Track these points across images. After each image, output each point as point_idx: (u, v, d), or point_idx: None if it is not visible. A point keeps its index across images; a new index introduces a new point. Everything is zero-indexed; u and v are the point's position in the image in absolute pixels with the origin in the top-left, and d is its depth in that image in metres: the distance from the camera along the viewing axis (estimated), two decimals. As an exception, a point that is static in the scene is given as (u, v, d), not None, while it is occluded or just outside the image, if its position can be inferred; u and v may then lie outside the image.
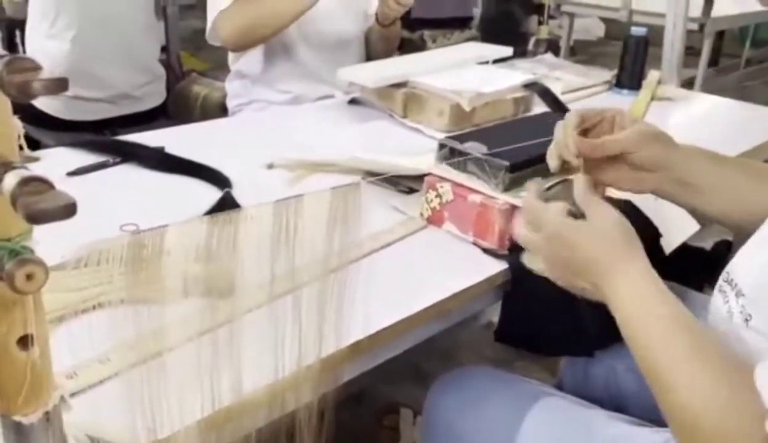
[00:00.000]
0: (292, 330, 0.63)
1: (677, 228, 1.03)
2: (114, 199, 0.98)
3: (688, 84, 2.65)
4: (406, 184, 1.04)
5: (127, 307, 0.54)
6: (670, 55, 1.75)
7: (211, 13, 1.56)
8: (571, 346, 0.91)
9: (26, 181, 0.38)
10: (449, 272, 0.83)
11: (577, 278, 0.68)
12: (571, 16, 3.06)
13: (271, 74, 1.65)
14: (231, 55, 1.73)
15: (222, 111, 1.85)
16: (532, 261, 0.76)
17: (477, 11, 3.34)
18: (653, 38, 1.64)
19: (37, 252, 0.42)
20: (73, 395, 0.61)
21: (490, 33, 2.89)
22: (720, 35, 3.99)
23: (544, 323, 0.88)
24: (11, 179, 0.39)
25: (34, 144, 1.63)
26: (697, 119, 1.55)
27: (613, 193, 0.99)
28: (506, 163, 0.86)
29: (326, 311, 0.63)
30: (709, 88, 2.70)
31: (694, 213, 0.89)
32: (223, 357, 0.61)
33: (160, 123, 1.81)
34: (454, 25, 3.19)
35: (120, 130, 1.68)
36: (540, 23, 1.80)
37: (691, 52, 3.27)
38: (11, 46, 2.24)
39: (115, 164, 1.08)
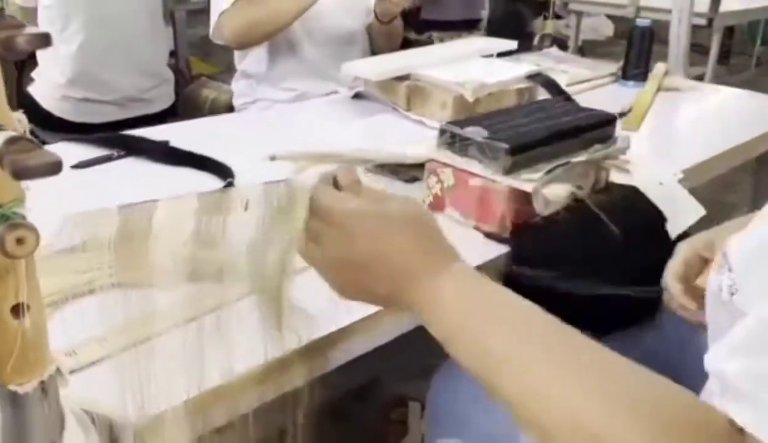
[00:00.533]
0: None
1: (683, 212, 1.02)
2: (118, 192, 0.98)
3: (698, 81, 2.63)
4: (409, 173, 1.04)
5: (118, 291, 0.54)
6: (677, 48, 1.74)
7: (215, 13, 1.59)
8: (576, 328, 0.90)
9: (13, 141, 0.38)
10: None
11: (372, 283, 0.52)
12: (579, 14, 3.05)
13: (275, 72, 1.66)
14: (237, 55, 1.74)
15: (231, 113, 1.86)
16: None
17: (485, 13, 3.34)
18: (661, 35, 1.63)
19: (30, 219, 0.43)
20: (72, 372, 0.61)
21: (498, 34, 2.88)
22: (730, 33, 3.97)
23: (547, 306, 0.87)
24: (-1, 140, 0.39)
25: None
26: (705, 108, 1.53)
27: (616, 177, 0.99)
28: (506, 146, 0.85)
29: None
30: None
31: None
32: (211, 338, 0.61)
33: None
34: (463, 27, 3.19)
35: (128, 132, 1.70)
36: (545, 18, 1.79)
37: (699, 50, 3.26)
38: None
39: (119, 157, 1.09)
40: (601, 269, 0.90)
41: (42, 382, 0.49)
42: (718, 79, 3.12)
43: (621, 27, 4.66)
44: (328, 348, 0.68)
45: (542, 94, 1.38)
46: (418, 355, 0.91)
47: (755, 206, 0.85)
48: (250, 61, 1.71)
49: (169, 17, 2.47)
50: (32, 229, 0.42)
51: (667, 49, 1.79)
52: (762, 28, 4.01)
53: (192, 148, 1.11)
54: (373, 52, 1.74)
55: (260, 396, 0.63)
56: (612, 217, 0.92)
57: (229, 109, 1.86)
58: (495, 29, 3.42)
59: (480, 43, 1.59)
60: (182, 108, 2.10)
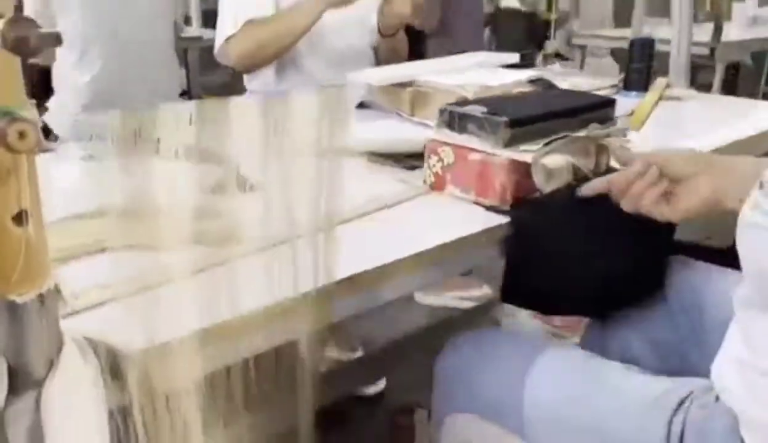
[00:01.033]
0: (285, 250, 0.64)
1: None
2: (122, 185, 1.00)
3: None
4: (411, 162, 1.05)
5: (127, 251, 0.56)
6: (677, 64, 1.77)
7: (220, 36, 1.63)
8: (578, 304, 0.90)
9: (15, 20, 0.40)
10: (448, 226, 0.83)
11: None
12: (583, 49, 3.11)
13: (283, 91, 1.70)
14: (245, 76, 1.79)
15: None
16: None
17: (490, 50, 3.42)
18: (664, 66, 1.66)
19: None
20: (75, 313, 0.62)
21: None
22: (735, 70, 4.01)
23: (549, 280, 0.87)
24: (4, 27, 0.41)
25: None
26: (707, 112, 1.55)
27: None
28: (505, 119, 0.87)
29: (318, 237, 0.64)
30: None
31: None
32: (220, 282, 0.62)
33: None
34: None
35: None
36: (546, 38, 1.83)
37: (703, 89, 3.30)
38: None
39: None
40: (602, 246, 0.90)
41: (41, 295, 0.50)
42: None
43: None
44: (332, 300, 0.68)
45: (544, 100, 1.40)
46: (426, 368, 0.91)
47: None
48: (258, 83, 1.76)
49: (183, 57, 2.56)
50: (33, 123, 0.44)
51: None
52: (768, 63, 4.04)
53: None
54: None
55: (268, 338, 0.63)
56: (611, 202, 0.92)
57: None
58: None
59: (482, 55, 1.62)
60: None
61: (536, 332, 1.49)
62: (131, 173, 0.57)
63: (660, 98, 1.57)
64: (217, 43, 1.65)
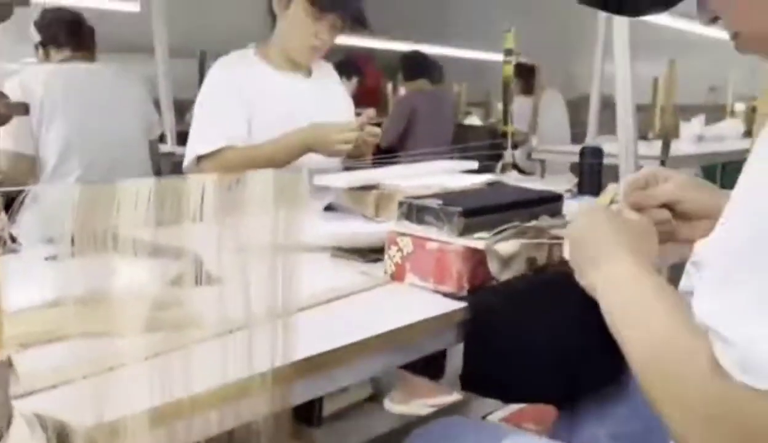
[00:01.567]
0: (242, 335, 0.65)
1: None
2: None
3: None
4: (372, 255, 1.08)
5: (85, 338, 0.57)
6: (626, 173, 1.87)
7: (191, 152, 1.64)
8: (538, 391, 0.90)
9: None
10: (407, 312, 0.85)
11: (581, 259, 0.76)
12: (543, 163, 3.27)
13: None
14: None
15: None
16: None
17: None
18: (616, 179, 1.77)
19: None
20: (23, 395, 0.61)
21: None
22: (688, 184, 4.21)
23: (508, 367, 0.88)
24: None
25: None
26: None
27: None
28: (459, 209, 0.91)
29: (275, 311, 0.66)
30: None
31: None
32: (175, 363, 0.63)
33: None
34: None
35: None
36: (504, 148, 1.94)
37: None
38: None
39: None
40: (560, 332, 0.92)
41: (-8, 365, 0.50)
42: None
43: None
44: (289, 379, 0.68)
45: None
46: None
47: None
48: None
49: (157, 171, 2.63)
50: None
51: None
52: (719, 176, 4.24)
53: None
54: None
55: (222, 419, 0.63)
56: (569, 287, 0.95)
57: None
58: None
59: (444, 163, 1.71)
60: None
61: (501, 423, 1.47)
62: (91, 269, 0.58)
63: (612, 201, 1.65)
64: (188, 158, 1.65)
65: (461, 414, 1.64)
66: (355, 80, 4.98)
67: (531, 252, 0.96)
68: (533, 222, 0.96)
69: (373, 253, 1.08)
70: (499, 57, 2.05)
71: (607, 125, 3.46)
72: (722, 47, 0.80)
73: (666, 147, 2.96)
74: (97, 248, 0.56)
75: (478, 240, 0.89)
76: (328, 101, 1.81)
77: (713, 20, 0.65)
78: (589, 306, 0.89)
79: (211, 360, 0.64)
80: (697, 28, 3.34)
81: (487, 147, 2.12)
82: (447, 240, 0.91)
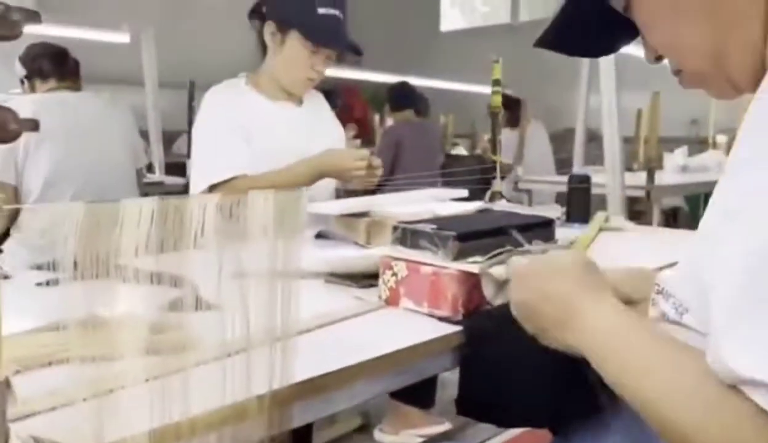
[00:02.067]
0: (241, 358, 0.65)
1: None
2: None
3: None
4: (367, 281, 1.09)
5: (83, 362, 0.57)
6: (614, 200, 1.90)
7: (201, 182, 1.61)
8: (532, 415, 0.90)
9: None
10: (403, 335, 0.85)
11: (546, 307, 0.71)
12: (529, 193, 3.30)
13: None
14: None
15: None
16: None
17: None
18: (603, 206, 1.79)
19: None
20: (21, 418, 0.60)
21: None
22: (674, 213, 4.28)
23: (504, 390, 0.88)
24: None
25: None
26: (648, 242, 1.64)
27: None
28: (454, 233, 0.92)
29: (275, 333, 0.66)
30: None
31: None
32: (174, 385, 0.62)
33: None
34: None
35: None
36: (493, 178, 1.96)
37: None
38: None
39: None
40: (554, 356, 0.93)
41: (-10, 386, 0.50)
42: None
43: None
44: (288, 401, 0.68)
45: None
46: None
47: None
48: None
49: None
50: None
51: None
52: (703, 206, 4.32)
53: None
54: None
55: (221, 441, 0.62)
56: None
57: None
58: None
59: (434, 191, 1.72)
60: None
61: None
62: (91, 292, 0.58)
63: (600, 230, 1.67)
64: (198, 188, 1.62)
65: (454, 443, 1.63)
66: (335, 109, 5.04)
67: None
68: (527, 247, 0.97)
69: (366, 279, 1.08)
70: (484, 89, 2.08)
71: (591, 157, 3.51)
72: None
73: (651, 177, 3.01)
74: (99, 270, 0.56)
75: (472, 264, 0.90)
76: (320, 129, 1.83)
77: (658, 59, 0.67)
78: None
79: (210, 383, 0.63)
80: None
81: (476, 175, 2.15)
82: (442, 264, 0.92)
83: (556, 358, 0.92)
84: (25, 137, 1.98)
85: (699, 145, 4.57)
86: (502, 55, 2.03)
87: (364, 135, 5.70)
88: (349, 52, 1.70)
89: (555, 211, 1.84)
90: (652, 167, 3.11)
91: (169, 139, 3.70)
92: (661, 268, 1.27)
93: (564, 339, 0.69)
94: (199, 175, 1.64)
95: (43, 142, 1.97)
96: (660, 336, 0.60)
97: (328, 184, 1.83)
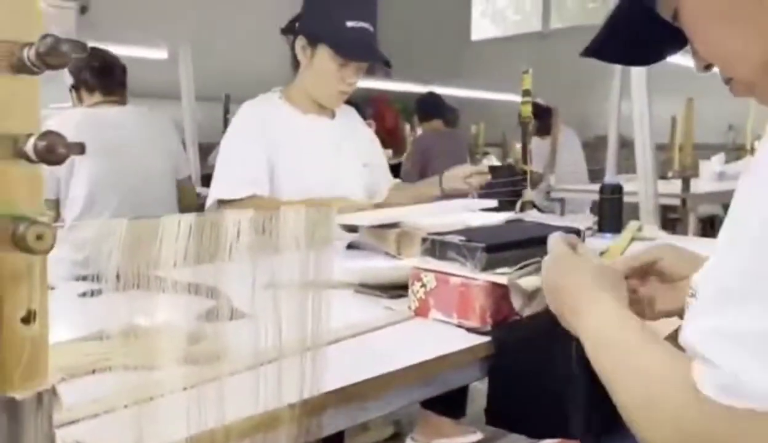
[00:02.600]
0: (273, 366, 0.67)
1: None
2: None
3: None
4: (396, 292, 1.10)
5: (124, 370, 0.60)
6: (646, 209, 1.88)
7: (214, 194, 1.67)
8: (564, 426, 0.90)
9: (44, 134, 0.47)
10: (432, 346, 0.86)
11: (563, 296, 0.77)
12: (562, 202, 3.28)
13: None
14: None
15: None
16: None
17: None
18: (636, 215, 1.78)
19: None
20: (65, 424, 0.63)
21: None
22: (711, 222, 4.20)
23: (533, 401, 0.89)
24: (32, 141, 0.48)
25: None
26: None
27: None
28: (482, 245, 0.93)
29: (306, 343, 0.68)
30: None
31: None
32: (209, 394, 0.65)
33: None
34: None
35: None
36: (524, 187, 1.96)
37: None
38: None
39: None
40: (586, 364, 0.93)
41: (39, 394, 0.53)
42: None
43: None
44: (320, 409, 0.70)
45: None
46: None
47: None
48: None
49: (183, 212, 2.70)
50: (50, 227, 0.50)
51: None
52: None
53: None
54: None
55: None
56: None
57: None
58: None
59: (464, 201, 1.73)
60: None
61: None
62: (130, 304, 0.61)
63: (633, 239, 1.66)
64: (210, 200, 1.68)
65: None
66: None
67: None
68: (555, 258, 0.97)
69: (396, 289, 1.10)
70: (515, 98, 2.08)
71: (625, 165, 3.48)
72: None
73: (686, 185, 2.97)
74: (139, 282, 0.59)
75: (500, 275, 0.91)
76: (352, 142, 1.85)
77: (707, 67, 0.67)
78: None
79: (244, 392, 0.65)
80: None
81: (508, 185, 2.15)
82: (470, 275, 0.93)
83: (587, 369, 0.92)
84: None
85: (736, 151, 4.49)
86: (533, 63, 2.03)
87: (395, 145, 5.73)
88: (379, 63, 1.73)
89: (587, 221, 1.83)
90: (687, 175, 3.06)
91: (205, 151, 3.77)
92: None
93: (575, 329, 0.73)
94: (212, 188, 1.69)
95: (85, 159, 2.04)
96: (645, 339, 0.63)
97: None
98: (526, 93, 2.00)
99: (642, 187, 1.87)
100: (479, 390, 0.88)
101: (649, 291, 0.86)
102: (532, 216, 1.85)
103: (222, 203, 1.66)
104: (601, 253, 1.47)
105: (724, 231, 0.56)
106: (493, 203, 1.70)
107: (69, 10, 5.39)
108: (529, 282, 0.91)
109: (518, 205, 1.95)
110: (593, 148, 4.63)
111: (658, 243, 0.86)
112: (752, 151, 4.30)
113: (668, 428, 0.55)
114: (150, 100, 3.41)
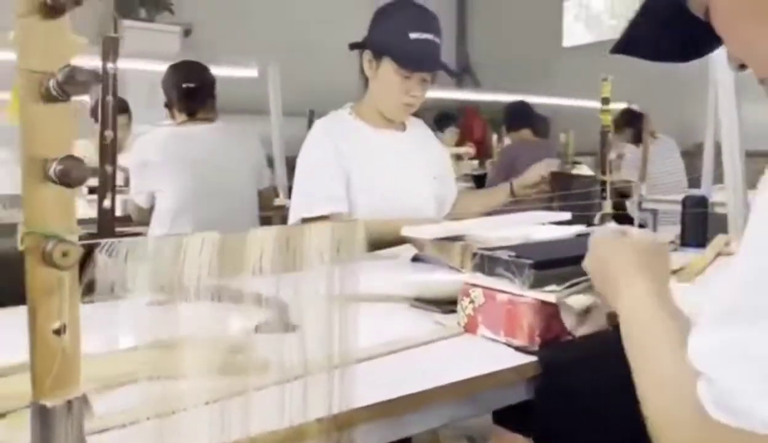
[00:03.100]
0: (305, 383, 0.68)
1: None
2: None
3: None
4: (448, 307, 1.09)
5: (156, 381, 0.62)
6: (734, 223, 1.76)
7: (296, 213, 1.69)
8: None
9: (64, 159, 0.50)
10: (476, 363, 0.84)
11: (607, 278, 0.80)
12: (654, 212, 3.12)
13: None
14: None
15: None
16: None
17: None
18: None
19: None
20: (94, 433, 0.67)
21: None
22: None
23: (582, 424, 0.85)
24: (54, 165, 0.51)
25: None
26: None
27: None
28: (530, 261, 0.90)
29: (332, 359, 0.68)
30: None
31: None
32: (237, 407, 0.66)
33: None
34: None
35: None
36: (603, 199, 1.88)
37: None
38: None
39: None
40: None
41: (69, 402, 0.56)
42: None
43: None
44: (353, 424, 0.70)
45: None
46: None
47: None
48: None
49: (268, 224, 2.78)
50: (75, 246, 0.53)
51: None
52: None
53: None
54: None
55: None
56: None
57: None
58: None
59: (536, 213, 1.68)
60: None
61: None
62: (186, 315, 0.63)
63: (719, 254, 1.55)
64: (293, 219, 1.70)
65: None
66: (452, 130, 5.07)
67: (605, 305, 0.92)
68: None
69: (449, 304, 1.08)
70: (611, 105, 2.00)
71: (720, 174, 3.25)
72: None
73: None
74: (199, 294, 0.61)
75: (549, 293, 0.88)
76: (422, 154, 1.85)
77: (742, 67, 0.63)
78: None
79: (270, 406, 0.67)
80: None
81: (583, 197, 2.07)
82: (518, 292, 0.90)
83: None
84: (157, 166, 2.18)
85: None
86: (629, 68, 1.95)
87: (483, 155, 5.67)
88: (444, 72, 1.72)
89: (670, 234, 1.73)
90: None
91: (291, 164, 3.88)
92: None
93: (614, 306, 0.76)
94: (293, 206, 1.72)
95: (172, 173, 2.16)
96: (669, 323, 0.65)
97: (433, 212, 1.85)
98: (605, 101, 1.92)
99: (730, 198, 1.75)
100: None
101: None
102: (611, 228, 1.77)
103: (305, 221, 1.69)
104: (679, 269, 1.39)
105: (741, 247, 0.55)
106: (566, 215, 1.64)
107: (174, 34, 5.74)
108: (578, 301, 0.88)
109: (597, 217, 1.87)
110: (692, 156, 4.38)
111: None
112: None
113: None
114: (241, 116, 3.56)
